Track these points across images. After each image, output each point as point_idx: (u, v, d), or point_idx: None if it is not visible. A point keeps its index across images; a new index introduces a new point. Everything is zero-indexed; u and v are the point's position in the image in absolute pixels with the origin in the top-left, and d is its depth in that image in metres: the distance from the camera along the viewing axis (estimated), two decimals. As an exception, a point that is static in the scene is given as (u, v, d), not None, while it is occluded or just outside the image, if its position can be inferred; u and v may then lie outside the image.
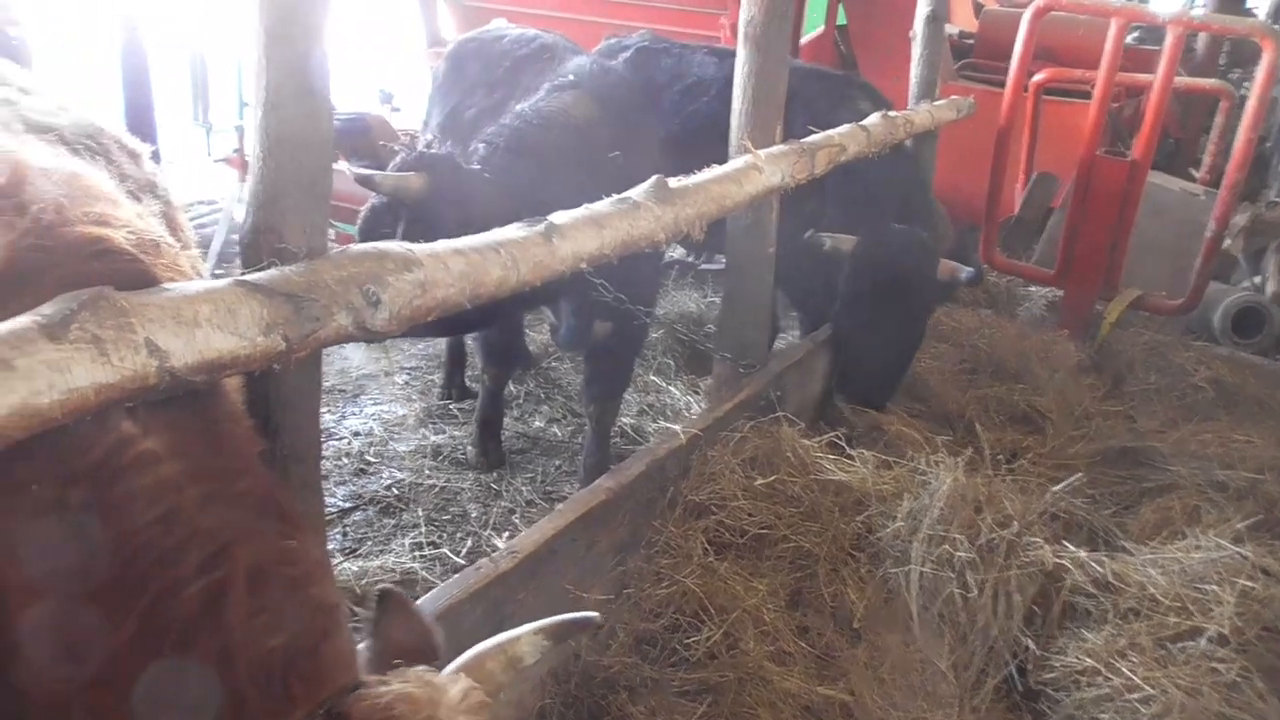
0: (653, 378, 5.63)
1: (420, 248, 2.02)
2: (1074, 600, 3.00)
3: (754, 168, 3.17)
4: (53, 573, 1.43)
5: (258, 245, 1.90)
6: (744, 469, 3.36)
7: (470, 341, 5.46)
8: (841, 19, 7.22)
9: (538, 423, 5.25)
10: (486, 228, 2.39)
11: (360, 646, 1.61)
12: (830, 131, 3.75)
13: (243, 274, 1.76)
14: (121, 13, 6.38)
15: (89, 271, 1.58)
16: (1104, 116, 5.26)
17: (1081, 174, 5.27)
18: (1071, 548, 3.12)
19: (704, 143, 4.20)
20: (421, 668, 1.43)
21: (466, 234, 2.26)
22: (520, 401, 5.41)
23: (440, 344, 5.62)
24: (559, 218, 2.39)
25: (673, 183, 2.79)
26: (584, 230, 2.41)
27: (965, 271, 4.18)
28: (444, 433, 5.05)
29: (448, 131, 4.59)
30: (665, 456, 3.19)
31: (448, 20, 8.64)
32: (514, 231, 2.26)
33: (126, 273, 1.63)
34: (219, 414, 1.68)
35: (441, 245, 2.08)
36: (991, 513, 3.11)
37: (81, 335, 1.45)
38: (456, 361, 5.50)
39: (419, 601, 2.42)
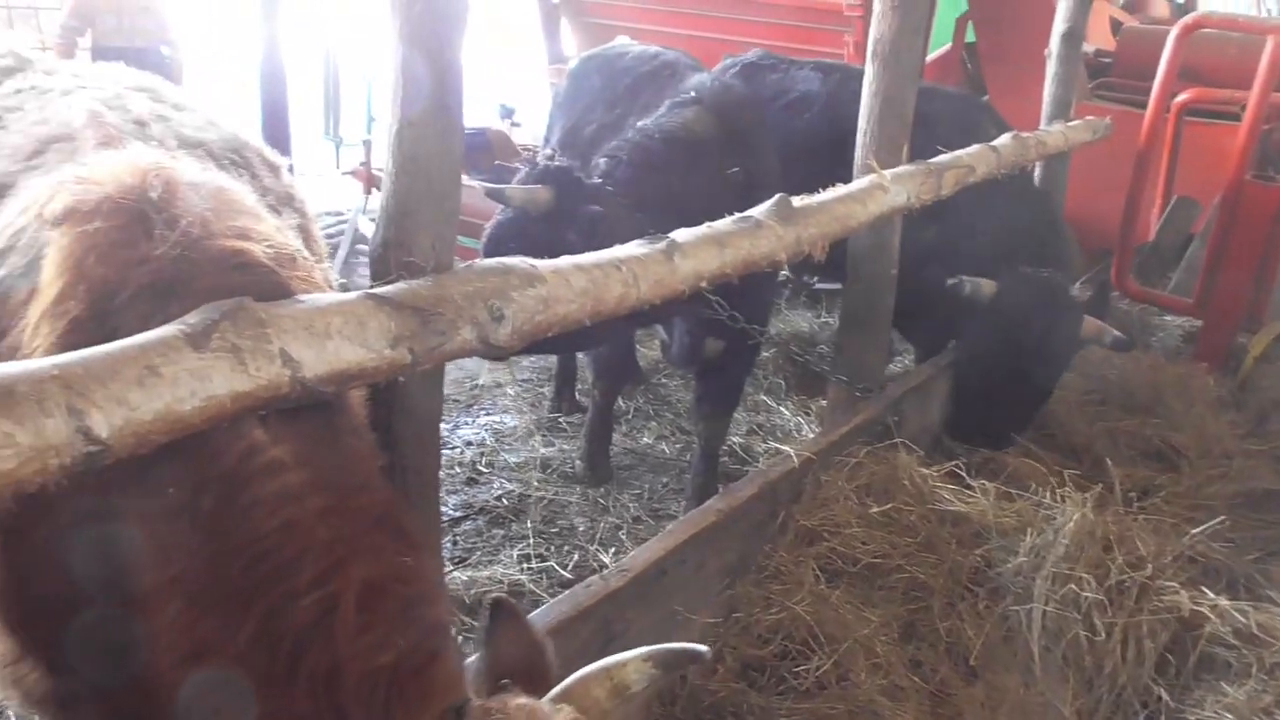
0: (763, 397, 5.58)
1: (543, 264, 2.03)
2: (1212, 651, 2.83)
3: (879, 187, 3.10)
4: (182, 574, 1.48)
5: (387, 259, 1.94)
6: (858, 495, 3.28)
7: (581, 356, 5.53)
8: (970, 36, 7.04)
9: (646, 439, 5.25)
10: (609, 241, 2.40)
11: (470, 660, 1.62)
12: (959, 152, 3.64)
13: (372, 287, 1.80)
14: (263, 32, 6.70)
15: (230, 283, 1.64)
16: (1255, 140, 4.98)
17: (1228, 199, 5.00)
18: (1210, 595, 2.93)
19: (803, 159, 4.16)
20: (523, 699, 1.42)
21: (590, 247, 2.27)
22: (629, 417, 5.43)
23: (551, 357, 5.68)
24: (680, 236, 2.38)
25: (795, 201, 2.74)
26: (705, 249, 2.39)
27: (1111, 336, 4.01)
28: (553, 445, 5.10)
29: (568, 147, 4.66)
30: (777, 479, 3.14)
31: (570, 37, 8.79)
32: (635, 249, 2.26)
33: (264, 285, 1.69)
34: (343, 426, 1.72)
35: (564, 261, 2.08)
36: (1122, 552, 2.96)
37: (222, 344, 1.51)
38: (567, 375, 5.56)
39: (529, 616, 2.44)
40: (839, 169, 3.71)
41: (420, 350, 1.77)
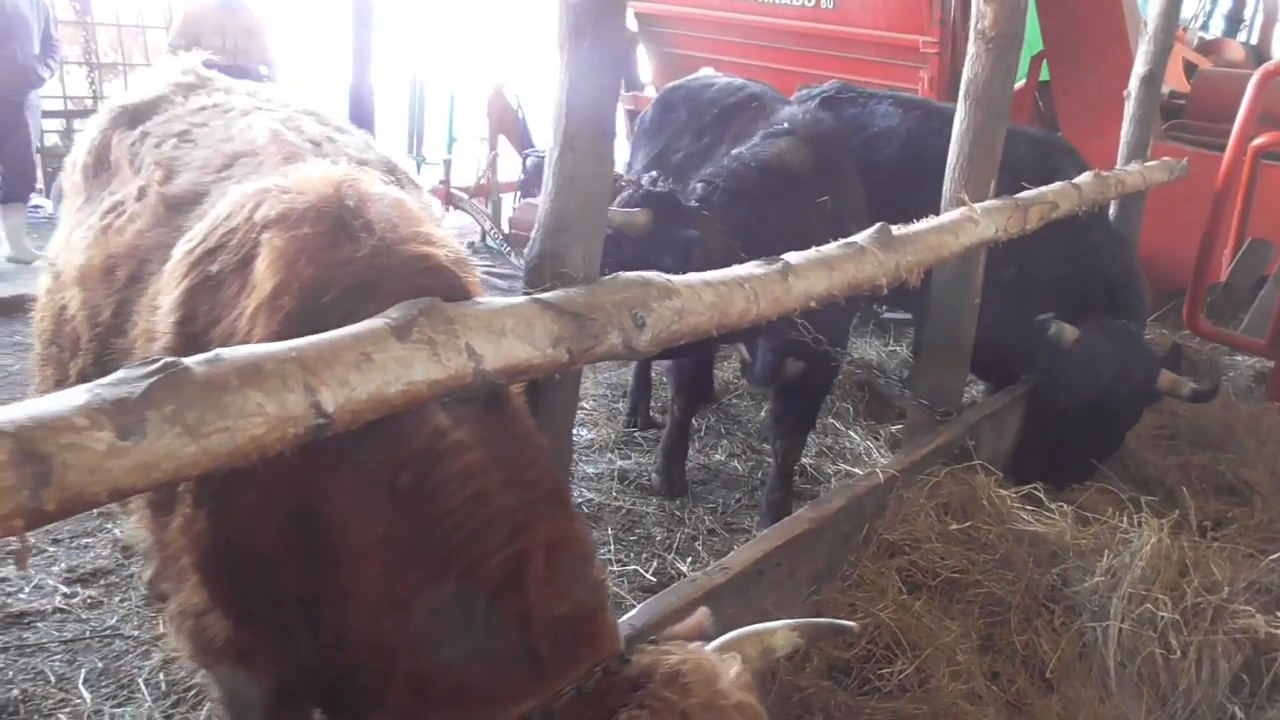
0: (832, 420, 5.74)
1: (677, 279, 2.23)
2: (1288, 673, 2.93)
3: (970, 219, 3.27)
4: (385, 538, 1.70)
5: (542, 269, 2.16)
6: (938, 513, 3.43)
7: (654, 374, 5.74)
8: (1044, 74, 7.18)
9: (718, 456, 5.43)
10: (704, 264, 2.59)
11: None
12: (1043, 189, 3.80)
13: (536, 293, 2.01)
14: (353, 54, 7.04)
15: (420, 285, 1.86)
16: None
17: (1303, 241, 5.09)
18: (1286, 619, 3.04)
19: (882, 192, 4.33)
20: (692, 646, 1.62)
21: (685, 268, 2.46)
22: (701, 435, 5.61)
23: (626, 373, 5.89)
24: (793, 258, 2.57)
25: (894, 230, 2.93)
26: (816, 271, 2.58)
27: (1189, 389, 4.08)
28: (629, 458, 5.30)
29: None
30: (864, 494, 3.30)
31: (646, 66, 9.06)
32: (754, 268, 2.45)
33: (448, 286, 1.91)
34: (511, 411, 1.93)
35: (694, 277, 2.29)
36: (1198, 576, 3.08)
37: (420, 337, 1.72)
38: (642, 392, 5.76)
39: (637, 608, 2.63)
40: (916, 203, 3.89)
41: (576, 350, 1.98)
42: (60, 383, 2.60)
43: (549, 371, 1.96)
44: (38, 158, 8.59)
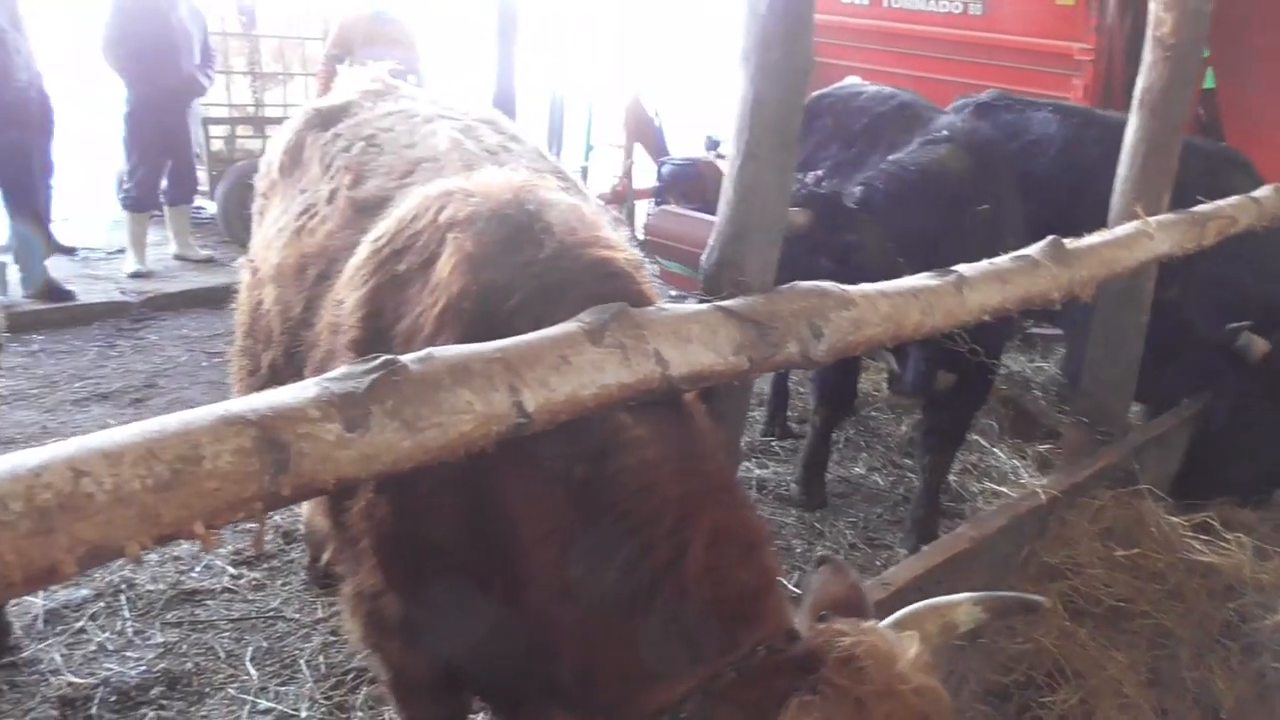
0: (975, 437, 5.58)
1: (853, 289, 2.22)
2: None
3: (1145, 234, 3.14)
4: (557, 529, 1.75)
5: (719, 277, 2.17)
6: (1102, 538, 3.31)
7: (792, 383, 5.70)
8: (1208, 82, 6.83)
9: (858, 469, 5.36)
10: (860, 266, 2.56)
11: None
12: (1220, 202, 3.62)
13: (718, 301, 2.03)
14: (498, 63, 7.23)
15: (604, 290, 1.89)
16: None
17: None
18: None
19: (1036, 201, 4.19)
20: (867, 624, 1.58)
21: (841, 271, 2.43)
22: (840, 447, 5.53)
23: (763, 383, 5.87)
24: (967, 270, 2.52)
25: (1068, 244, 2.84)
26: (990, 284, 2.52)
27: None
28: (767, 467, 5.28)
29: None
30: (1024, 515, 3.21)
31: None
32: (928, 280, 2.41)
33: (630, 292, 1.95)
34: (687, 410, 1.95)
35: (870, 288, 2.27)
36: (1396, 620, 2.88)
37: (612, 342, 1.76)
38: (780, 400, 5.74)
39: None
40: (1073, 213, 3.75)
41: (756, 358, 1.99)
42: (253, 373, 2.75)
43: (729, 378, 1.98)
44: (202, 162, 9.13)
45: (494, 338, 1.69)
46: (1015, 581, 3.15)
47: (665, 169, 8.31)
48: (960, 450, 5.35)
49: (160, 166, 7.95)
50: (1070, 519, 3.32)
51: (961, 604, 1.74)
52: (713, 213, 6.97)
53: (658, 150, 8.94)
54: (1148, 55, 3.45)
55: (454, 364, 1.57)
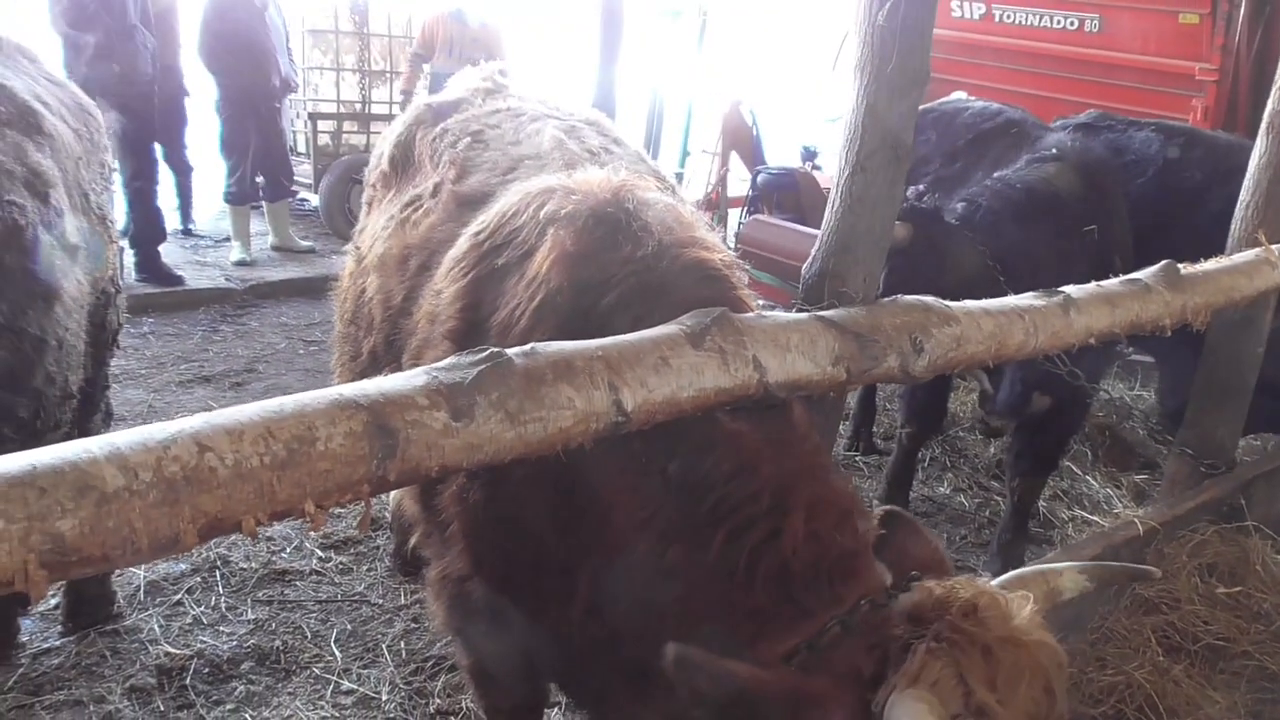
0: (1068, 464, 5.43)
1: (956, 306, 2.18)
2: None
3: (1267, 263, 3.02)
4: (653, 516, 1.76)
5: (821, 286, 2.16)
6: (1202, 574, 3.19)
7: (879, 398, 5.61)
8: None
9: (943, 489, 5.26)
10: (959, 281, 2.50)
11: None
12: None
13: (819, 311, 2.02)
14: (601, 70, 7.28)
15: (700, 293, 1.90)
16: None
17: None
18: None
19: (1134, 222, 4.05)
20: (978, 583, 1.57)
21: (939, 284, 2.38)
22: (925, 466, 5.44)
23: (849, 397, 5.79)
24: (1075, 291, 2.46)
25: (1183, 269, 2.75)
26: (1098, 307, 2.46)
27: None
28: (850, 482, 5.21)
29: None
30: (1120, 544, 3.11)
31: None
32: (1034, 300, 2.36)
33: (726, 294, 1.95)
34: (787, 407, 1.94)
35: (973, 305, 2.23)
36: None
37: (712, 346, 1.77)
38: (867, 415, 5.67)
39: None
40: (1171, 235, 3.61)
41: (855, 370, 1.97)
42: (354, 358, 2.83)
43: (826, 389, 1.97)
44: (308, 156, 9.42)
45: (589, 334, 1.71)
46: (1107, 613, 3.05)
47: (760, 178, 8.27)
48: (1051, 477, 5.24)
49: (256, 161, 8.24)
50: (1169, 552, 3.20)
51: (1066, 571, 1.75)
52: (806, 223, 6.98)
53: (754, 159, 8.92)
54: None
55: (557, 360, 1.60)
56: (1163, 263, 2.74)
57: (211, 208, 9.11)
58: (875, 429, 5.77)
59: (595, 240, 1.99)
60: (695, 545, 1.70)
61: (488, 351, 1.54)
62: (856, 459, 5.51)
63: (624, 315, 1.85)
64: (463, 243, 2.26)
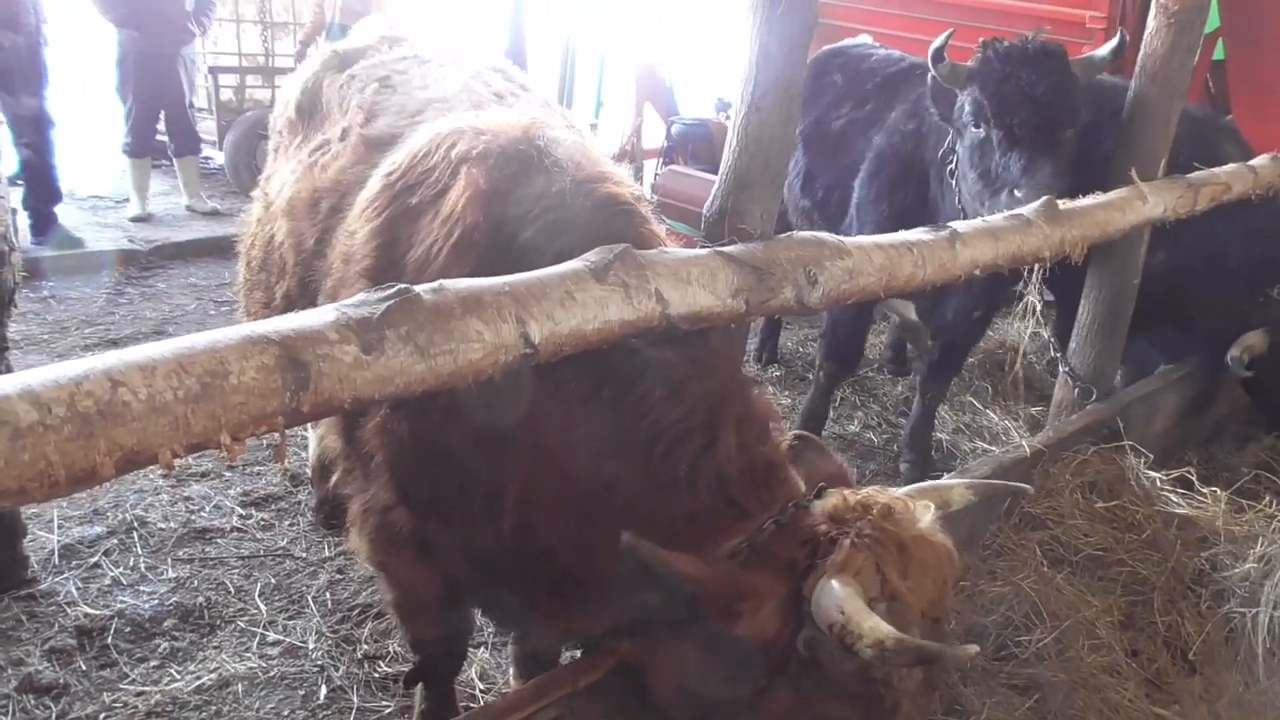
0: (969, 399, 5.69)
1: (849, 240, 2.30)
2: None
3: (1139, 197, 3.21)
4: (586, 437, 1.88)
5: (722, 224, 2.25)
6: (1083, 490, 3.41)
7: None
8: (1218, 54, 6.84)
9: (853, 427, 5.46)
10: None
11: None
12: (1215, 169, 3.68)
13: (719, 246, 2.11)
14: (511, 19, 7.23)
15: (614, 228, 1.98)
16: None
17: None
18: None
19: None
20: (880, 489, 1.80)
21: None
22: (836, 405, 5.63)
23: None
24: (961, 226, 2.60)
25: (1061, 204, 2.91)
26: (982, 240, 2.60)
27: None
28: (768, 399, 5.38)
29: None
30: (1009, 465, 3.30)
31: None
32: (923, 234, 2.50)
33: (635, 228, 2.04)
34: (705, 334, 2.04)
35: (865, 240, 2.35)
36: (1362, 569, 2.99)
37: (615, 281, 1.84)
38: (771, 330, 5.95)
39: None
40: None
41: (753, 302, 2.07)
42: (266, 305, 2.84)
43: (727, 320, 2.07)
44: (210, 112, 9.13)
45: (506, 269, 1.78)
46: (998, 530, 3.26)
47: (675, 128, 8.32)
48: (953, 410, 5.50)
49: (153, 113, 7.97)
50: (1054, 472, 3.42)
51: (955, 486, 1.99)
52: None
53: (667, 110, 8.95)
54: (1151, 21, 3.50)
55: (465, 295, 1.66)
56: (1043, 198, 2.90)
57: (111, 167, 8.81)
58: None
59: (508, 177, 2.05)
60: (635, 460, 1.83)
61: (396, 288, 1.59)
62: (763, 378, 5.75)
63: (541, 251, 1.91)
64: (374, 183, 2.29)
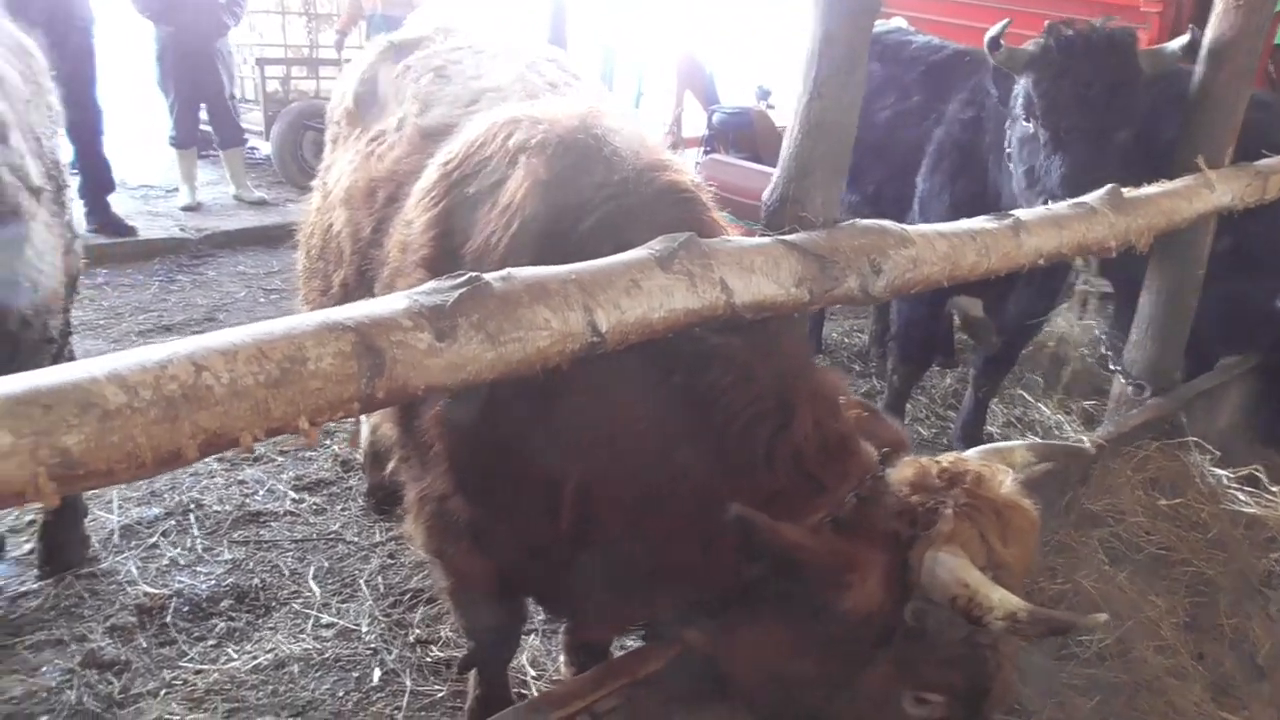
0: (1020, 392, 5.61)
1: (912, 229, 2.27)
2: None
3: (1205, 186, 3.14)
4: (657, 424, 1.87)
5: (783, 212, 2.23)
6: (1145, 487, 3.35)
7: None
8: None
9: (904, 420, 5.41)
10: None
11: None
12: (1285, 157, 3.59)
13: (780, 235, 2.09)
14: (551, 6, 7.21)
15: (676, 216, 1.97)
16: None
17: None
18: None
19: None
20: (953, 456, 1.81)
21: None
22: (884, 397, 5.57)
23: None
24: (1024, 215, 2.55)
25: (1126, 193, 2.85)
26: (1047, 229, 2.56)
27: None
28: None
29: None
30: (1069, 461, 3.25)
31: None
32: (986, 223, 2.45)
33: (700, 218, 2.02)
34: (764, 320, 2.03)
35: (928, 228, 2.32)
36: None
37: (681, 269, 1.83)
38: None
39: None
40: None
41: (817, 291, 2.05)
42: (324, 292, 2.87)
43: (790, 310, 2.04)
44: (256, 103, 9.22)
45: (566, 259, 1.76)
46: (1056, 526, 3.20)
47: (715, 117, 8.27)
48: (1004, 405, 5.42)
49: (194, 106, 8.08)
50: (1114, 468, 3.36)
51: (1018, 449, 2.01)
52: (762, 162, 6.96)
53: (708, 99, 8.91)
54: (1218, 5, 3.41)
55: (532, 283, 1.65)
56: (1108, 186, 2.84)
57: (161, 158, 8.94)
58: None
59: (567, 167, 2.04)
60: (708, 445, 1.83)
61: (466, 276, 1.59)
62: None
63: (602, 240, 1.90)
64: (431, 173, 2.29)
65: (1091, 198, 2.79)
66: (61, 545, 3.56)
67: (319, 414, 1.40)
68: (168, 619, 3.36)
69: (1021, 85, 3.63)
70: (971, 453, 1.93)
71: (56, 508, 3.05)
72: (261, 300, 6.60)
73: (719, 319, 1.90)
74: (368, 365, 1.44)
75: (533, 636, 3.32)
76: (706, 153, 8.24)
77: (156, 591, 3.48)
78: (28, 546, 3.65)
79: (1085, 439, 3.36)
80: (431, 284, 1.59)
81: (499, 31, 3.04)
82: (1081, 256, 2.73)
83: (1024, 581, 1.76)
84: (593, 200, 1.98)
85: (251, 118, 9.09)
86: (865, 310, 6.09)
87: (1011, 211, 2.54)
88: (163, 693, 3.03)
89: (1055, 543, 3.18)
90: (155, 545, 3.77)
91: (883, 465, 1.84)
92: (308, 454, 4.53)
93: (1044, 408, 5.44)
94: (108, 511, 3.91)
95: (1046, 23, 3.70)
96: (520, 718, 1.99)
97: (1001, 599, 1.55)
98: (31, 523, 3.69)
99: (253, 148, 9.48)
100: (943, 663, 1.70)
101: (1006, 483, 1.76)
